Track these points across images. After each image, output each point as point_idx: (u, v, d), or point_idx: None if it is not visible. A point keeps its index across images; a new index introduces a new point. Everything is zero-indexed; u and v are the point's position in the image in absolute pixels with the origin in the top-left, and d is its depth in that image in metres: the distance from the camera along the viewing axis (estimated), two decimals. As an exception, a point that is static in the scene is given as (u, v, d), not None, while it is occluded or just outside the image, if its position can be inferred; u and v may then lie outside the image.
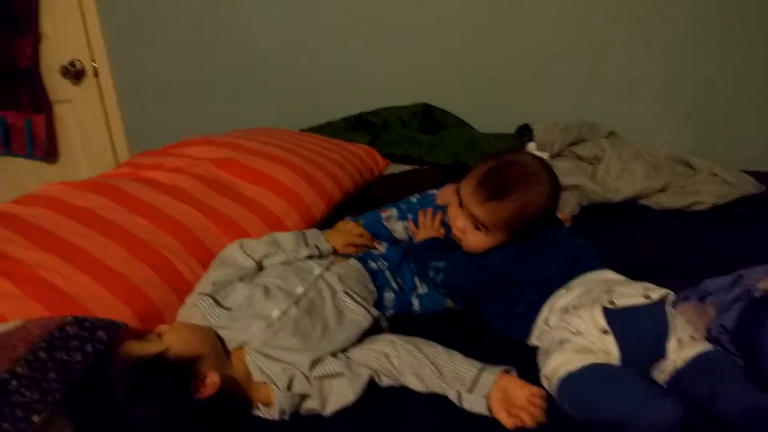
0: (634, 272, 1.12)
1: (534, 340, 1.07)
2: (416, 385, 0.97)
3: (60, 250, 1.06)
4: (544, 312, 1.06)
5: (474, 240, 1.09)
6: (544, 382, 0.95)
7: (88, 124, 2.45)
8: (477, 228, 1.07)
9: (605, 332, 0.94)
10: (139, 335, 0.94)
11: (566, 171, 1.82)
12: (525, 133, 1.95)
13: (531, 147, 1.85)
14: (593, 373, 0.89)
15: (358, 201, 1.67)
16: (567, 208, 1.71)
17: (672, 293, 1.00)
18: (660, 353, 0.93)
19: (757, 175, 1.85)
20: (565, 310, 1.02)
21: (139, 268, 1.09)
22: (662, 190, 1.76)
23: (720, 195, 1.69)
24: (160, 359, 0.87)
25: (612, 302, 0.97)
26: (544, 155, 1.79)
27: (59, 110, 2.44)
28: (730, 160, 1.86)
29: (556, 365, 0.93)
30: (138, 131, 2.46)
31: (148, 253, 1.12)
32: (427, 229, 1.28)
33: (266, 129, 1.91)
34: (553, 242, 1.11)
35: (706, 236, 1.60)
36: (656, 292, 0.98)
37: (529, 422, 0.88)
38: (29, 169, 2.49)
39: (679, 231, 1.64)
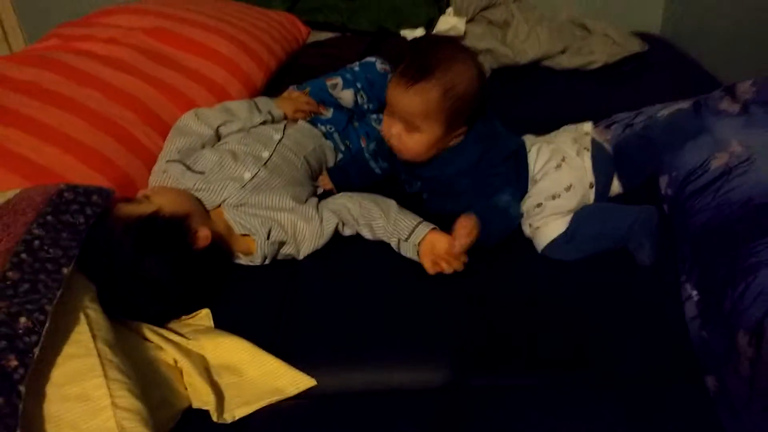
0: (539, 127, 1.28)
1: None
2: (367, 234, 1.12)
3: (20, 123, 1.06)
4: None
5: (412, 143, 1.04)
6: (527, 229, 1.10)
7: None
8: (411, 130, 1.02)
9: (591, 186, 1.11)
10: (127, 199, 1.01)
11: (479, 35, 1.95)
12: (441, -2, 2.03)
13: (448, 12, 1.94)
14: (582, 219, 1.07)
15: (291, 71, 1.71)
16: (481, 71, 1.86)
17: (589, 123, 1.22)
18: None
19: (645, 37, 2.09)
20: (553, 166, 1.11)
21: (103, 139, 1.12)
22: (563, 51, 1.95)
23: (610, 54, 1.91)
24: (157, 217, 0.96)
25: (587, 148, 1.14)
26: (462, 21, 1.90)
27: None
28: (623, 23, 2.07)
29: (550, 228, 1.07)
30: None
31: (107, 125, 1.15)
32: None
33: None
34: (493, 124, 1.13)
35: (599, 92, 1.82)
36: (585, 126, 1.19)
37: (447, 270, 1.01)
38: None
39: (576, 89, 1.86)
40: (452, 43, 1.05)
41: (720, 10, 1.94)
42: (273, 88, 1.57)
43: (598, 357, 0.91)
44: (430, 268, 1.03)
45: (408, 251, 1.07)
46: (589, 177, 1.13)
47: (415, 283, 1.04)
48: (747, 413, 0.78)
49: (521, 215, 1.10)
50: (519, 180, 1.13)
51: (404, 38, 1.88)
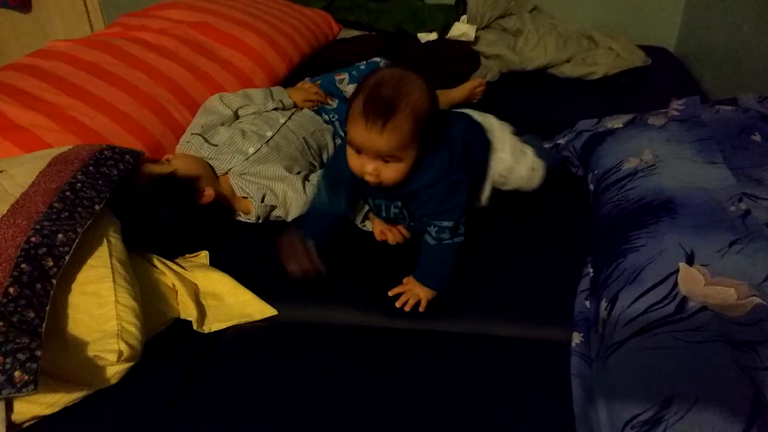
0: (536, 127, 1.48)
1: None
2: None
3: (82, 96, 1.37)
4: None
5: (392, 172, 1.02)
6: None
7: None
8: (387, 161, 1.01)
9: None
10: (154, 160, 1.30)
11: (491, 42, 2.15)
12: (461, 5, 2.23)
13: (462, 19, 2.15)
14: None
15: (314, 63, 1.98)
16: (489, 74, 2.06)
17: None
18: None
19: (656, 51, 2.23)
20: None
21: (144, 113, 1.42)
22: (568, 60, 2.12)
23: (612, 66, 2.07)
24: (173, 176, 1.24)
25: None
26: (473, 28, 2.10)
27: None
28: (636, 34, 2.21)
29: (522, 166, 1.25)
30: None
31: (149, 101, 1.45)
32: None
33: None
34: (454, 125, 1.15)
35: (594, 101, 1.99)
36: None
37: (390, 240, 1.25)
38: (5, 20, 2.65)
39: (574, 96, 2.03)
40: (394, 69, 1.04)
41: (732, 31, 2.04)
42: (295, 76, 1.84)
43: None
44: (378, 235, 1.27)
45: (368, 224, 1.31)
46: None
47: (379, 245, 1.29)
48: (598, 360, 0.97)
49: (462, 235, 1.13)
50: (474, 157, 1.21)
51: (419, 41, 2.10)
